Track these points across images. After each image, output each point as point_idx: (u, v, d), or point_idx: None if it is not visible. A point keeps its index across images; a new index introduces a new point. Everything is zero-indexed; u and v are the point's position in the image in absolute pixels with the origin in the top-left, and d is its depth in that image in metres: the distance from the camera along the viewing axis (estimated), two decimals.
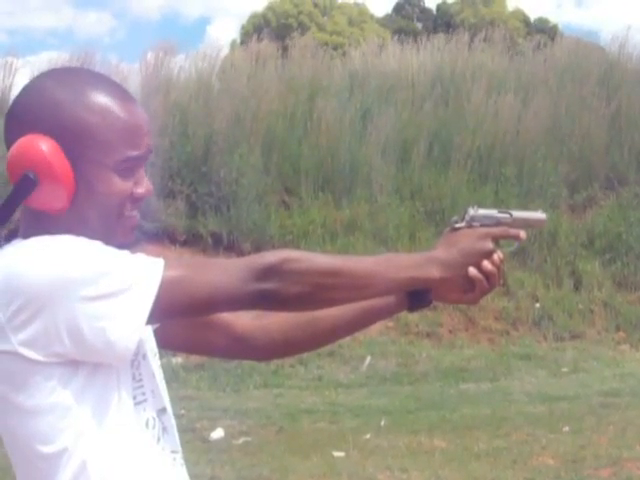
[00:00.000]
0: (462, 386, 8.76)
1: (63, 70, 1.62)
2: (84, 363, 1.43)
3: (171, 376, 7.80)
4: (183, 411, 6.99)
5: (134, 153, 1.51)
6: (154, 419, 1.53)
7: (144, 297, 1.42)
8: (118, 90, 1.54)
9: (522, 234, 1.72)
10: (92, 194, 1.49)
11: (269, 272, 1.46)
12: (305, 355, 8.76)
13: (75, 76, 1.55)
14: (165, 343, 1.68)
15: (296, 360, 8.89)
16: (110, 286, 1.40)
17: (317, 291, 1.49)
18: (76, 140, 1.48)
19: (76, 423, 1.43)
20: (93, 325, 1.40)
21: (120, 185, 1.50)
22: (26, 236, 1.48)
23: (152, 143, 1.56)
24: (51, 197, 1.48)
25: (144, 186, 1.54)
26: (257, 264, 1.47)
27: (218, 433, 6.87)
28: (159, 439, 1.53)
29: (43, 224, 1.48)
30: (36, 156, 1.47)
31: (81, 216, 1.49)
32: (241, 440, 6.81)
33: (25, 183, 1.47)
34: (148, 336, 1.59)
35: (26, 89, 1.54)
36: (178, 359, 8.43)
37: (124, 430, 1.47)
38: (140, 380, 1.52)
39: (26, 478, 1.48)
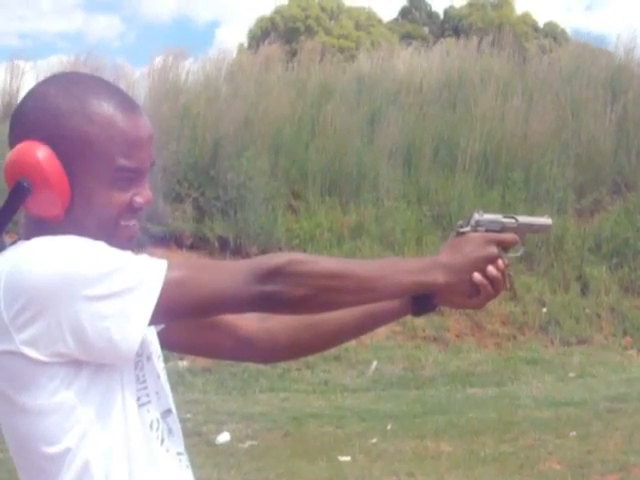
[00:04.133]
0: (469, 391, 8.74)
1: (68, 76, 1.61)
2: (87, 363, 1.43)
3: (177, 380, 7.80)
4: (189, 415, 6.99)
5: (132, 165, 1.51)
6: (158, 421, 1.53)
7: (147, 297, 1.42)
8: (122, 100, 1.54)
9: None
10: (88, 204, 1.50)
11: (273, 274, 1.46)
12: (311, 359, 8.75)
13: (79, 84, 1.54)
14: (170, 345, 1.68)
15: (302, 364, 8.89)
16: (113, 286, 1.41)
17: (321, 294, 1.49)
18: (73, 150, 1.48)
19: (80, 423, 1.43)
20: (96, 325, 1.40)
21: (116, 197, 1.51)
22: (28, 239, 1.49)
23: (154, 154, 1.56)
24: (46, 204, 1.49)
25: (143, 196, 1.54)
26: (261, 266, 1.47)
27: (224, 437, 6.86)
28: (163, 440, 1.53)
29: (43, 229, 1.49)
30: (31, 163, 1.48)
31: (79, 223, 1.49)
32: (247, 444, 6.80)
33: (19, 190, 1.48)
34: (152, 338, 1.60)
35: (29, 94, 1.55)
36: (184, 363, 8.43)
37: (128, 431, 1.47)
38: (144, 382, 1.52)
39: (29, 479, 1.49)
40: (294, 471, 6.05)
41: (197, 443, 6.33)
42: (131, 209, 1.53)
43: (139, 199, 1.53)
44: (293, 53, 13.87)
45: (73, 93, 1.51)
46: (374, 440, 6.86)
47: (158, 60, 12.09)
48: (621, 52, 14.03)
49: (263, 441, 6.89)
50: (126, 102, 1.54)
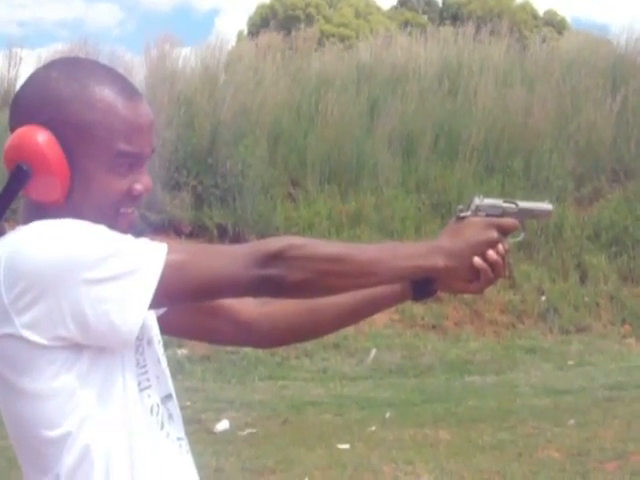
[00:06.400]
0: (467, 379, 8.75)
1: (70, 61, 1.61)
2: (88, 347, 1.43)
3: (176, 367, 7.80)
4: (188, 402, 6.99)
5: (132, 150, 1.50)
6: (158, 405, 1.53)
7: (147, 281, 1.42)
8: (123, 86, 1.53)
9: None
10: (88, 189, 1.49)
11: (273, 258, 1.46)
12: (310, 347, 8.77)
13: (81, 69, 1.54)
14: (170, 330, 1.68)
15: (301, 352, 8.90)
16: (114, 269, 1.40)
17: (321, 278, 1.49)
18: (74, 134, 1.48)
19: (80, 407, 1.43)
20: (97, 308, 1.40)
21: (116, 183, 1.50)
22: (27, 224, 1.48)
23: (155, 142, 1.56)
24: (46, 188, 1.48)
25: (143, 183, 1.53)
26: (261, 250, 1.47)
27: (223, 424, 6.87)
28: (163, 425, 1.54)
29: (42, 214, 1.48)
30: (31, 147, 1.47)
31: (78, 209, 1.49)
32: (246, 432, 6.81)
33: (19, 174, 1.48)
34: (152, 322, 1.60)
35: (30, 79, 1.55)
36: (183, 350, 8.43)
37: (128, 415, 1.47)
38: (144, 366, 1.52)
39: (29, 464, 1.49)
40: (293, 459, 6.06)
41: (196, 431, 6.33)
42: (130, 196, 1.53)
43: (138, 186, 1.53)
44: (292, 41, 13.83)
45: (74, 78, 1.51)
46: (373, 428, 6.87)
47: (155, 48, 12.06)
48: (622, 41, 14.01)
49: (262, 429, 6.90)
50: (127, 88, 1.54)
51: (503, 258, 1.66)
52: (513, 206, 1.72)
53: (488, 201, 1.70)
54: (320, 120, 11.63)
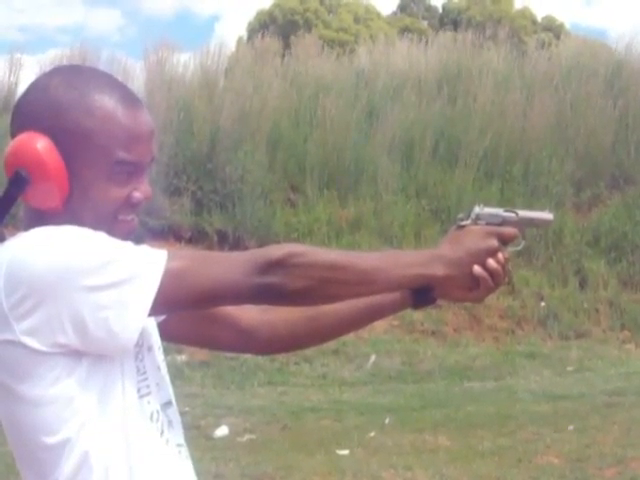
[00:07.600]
0: (467, 384, 8.75)
1: (71, 69, 1.62)
2: (87, 354, 1.43)
3: (175, 373, 7.79)
4: (187, 408, 6.98)
5: (131, 159, 1.50)
6: (158, 412, 1.53)
7: (147, 288, 1.42)
8: (124, 94, 1.53)
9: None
10: (86, 197, 1.49)
11: (273, 266, 1.46)
12: (310, 353, 8.76)
13: (82, 77, 1.54)
14: (170, 336, 1.68)
15: (301, 358, 8.89)
16: (113, 276, 1.40)
17: (321, 285, 1.49)
18: (73, 142, 1.48)
19: (79, 413, 1.43)
20: (96, 315, 1.40)
21: (114, 191, 1.50)
22: (27, 230, 1.49)
23: (155, 150, 1.56)
24: (44, 195, 1.48)
25: (142, 192, 1.53)
26: (261, 258, 1.47)
27: (222, 430, 6.87)
28: (163, 432, 1.53)
29: (42, 221, 1.49)
30: (30, 154, 1.47)
31: (77, 216, 1.49)
32: (245, 438, 6.81)
33: (17, 180, 1.48)
34: (152, 329, 1.60)
35: (32, 85, 1.55)
36: (183, 356, 8.43)
37: (127, 422, 1.47)
38: (144, 373, 1.52)
39: (28, 470, 1.49)
40: (292, 465, 6.05)
41: (195, 437, 6.32)
42: (129, 204, 1.53)
43: (137, 194, 1.53)
44: (291, 46, 13.84)
45: (75, 85, 1.51)
46: (372, 434, 6.86)
47: (154, 53, 12.07)
48: (621, 47, 14.03)
49: (261, 435, 6.89)
50: (128, 96, 1.54)
51: (503, 267, 1.66)
52: (513, 215, 1.72)
53: (488, 210, 1.70)
54: (319, 125, 11.64)
